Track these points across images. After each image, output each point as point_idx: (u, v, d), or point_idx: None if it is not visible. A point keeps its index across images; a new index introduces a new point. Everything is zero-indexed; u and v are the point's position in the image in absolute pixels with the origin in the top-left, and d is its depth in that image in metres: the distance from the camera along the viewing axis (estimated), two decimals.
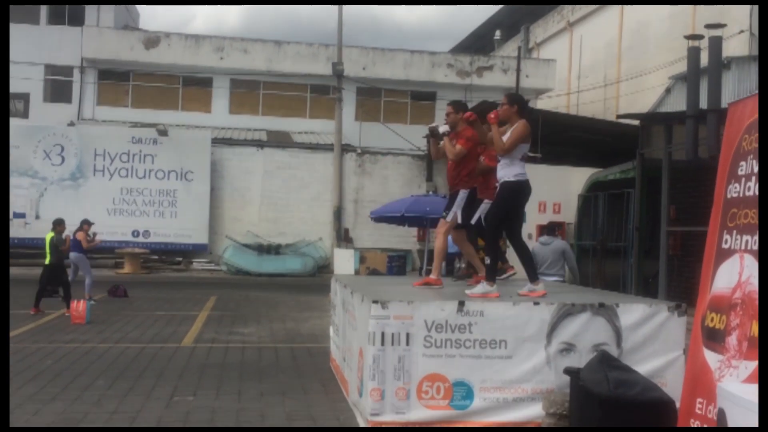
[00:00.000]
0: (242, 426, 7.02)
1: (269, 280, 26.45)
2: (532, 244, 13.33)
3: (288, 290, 21.90)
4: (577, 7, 35.28)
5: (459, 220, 8.46)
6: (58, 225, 15.57)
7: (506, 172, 7.52)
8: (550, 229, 14.07)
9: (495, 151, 8.10)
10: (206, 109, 33.16)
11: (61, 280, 15.27)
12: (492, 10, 47.50)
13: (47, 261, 15.25)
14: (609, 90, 31.58)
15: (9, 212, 18.72)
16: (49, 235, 15.44)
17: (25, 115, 32.05)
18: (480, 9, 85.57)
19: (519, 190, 7.55)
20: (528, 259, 7.77)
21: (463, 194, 8.38)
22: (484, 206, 8.61)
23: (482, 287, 7.32)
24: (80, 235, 16.51)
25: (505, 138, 7.41)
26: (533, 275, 7.67)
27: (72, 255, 16.18)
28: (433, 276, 8.41)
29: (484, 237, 8.37)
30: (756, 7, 21.26)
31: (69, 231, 16.18)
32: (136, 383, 8.69)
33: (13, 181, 27.82)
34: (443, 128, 8.40)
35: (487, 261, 7.53)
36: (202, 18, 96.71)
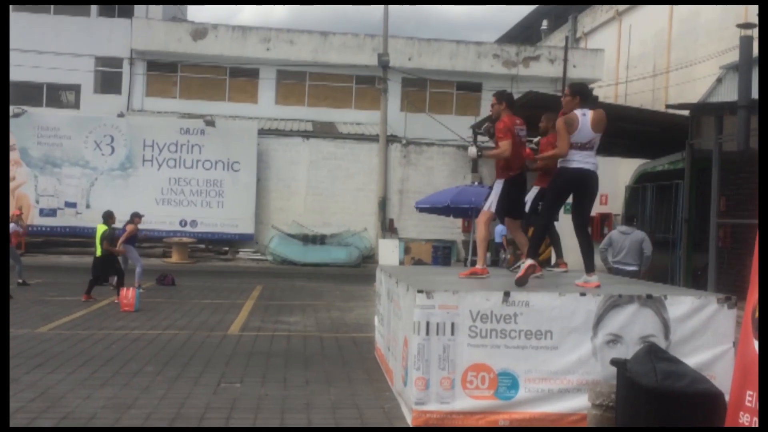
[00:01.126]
0: (287, 413, 7.08)
1: (314, 269, 26.60)
2: (610, 233, 13.35)
3: (333, 280, 22.01)
4: None
5: (492, 209, 8.42)
6: (109, 218, 15.73)
7: (561, 162, 7.62)
8: (629, 218, 13.98)
9: (552, 138, 8.14)
10: (253, 100, 33.39)
11: (114, 269, 15.55)
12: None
13: (98, 253, 15.50)
14: (658, 80, 31.08)
15: (9, 212, 19.13)
16: (100, 228, 15.62)
17: (76, 106, 32.61)
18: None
19: (568, 178, 7.51)
20: (589, 251, 7.73)
21: (498, 184, 8.36)
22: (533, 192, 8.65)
23: (583, 278, 7.54)
24: (130, 228, 16.75)
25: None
26: (590, 266, 7.62)
27: (125, 246, 16.44)
28: (478, 266, 8.40)
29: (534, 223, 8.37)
30: None
31: (120, 221, 16.40)
32: (184, 370, 8.82)
33: (65, 171, 28.39)
34: (471, 151, 8.49)
35: (584, 250, 7.67)
36: (249, 10, 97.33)
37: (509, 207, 8.47)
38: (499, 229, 24.52)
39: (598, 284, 7.42)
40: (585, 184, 7.61)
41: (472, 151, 8.52)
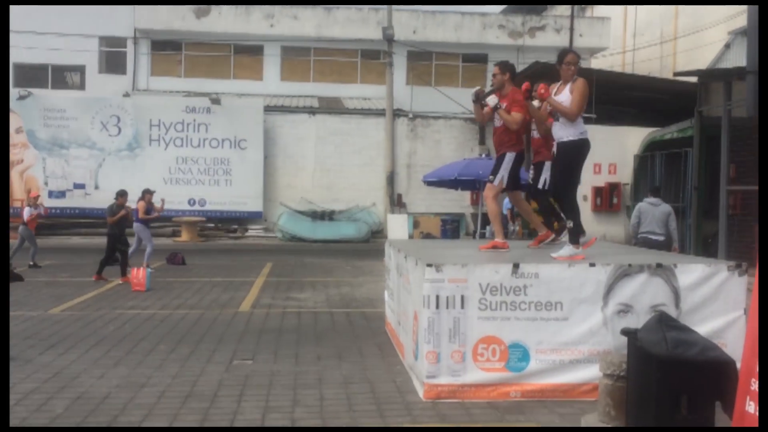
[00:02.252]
0: (300, 386, 7.12)
1: (323, 246, 26.65)
2: (639, 204, 13.56)
3: (342, 256, 22.05)
4: None
5: (504, 184, 8.39)
6: (121, 196, 15.71)
7: (569, 131, 7.43)
8: (656, 190, 14.22)
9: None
10: (258, 77, 33.30)
11: (116, 249, 15.42)
12: None
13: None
14: (665, 47, 30.83)
15: (9, 212, 19.22)
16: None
17: (81, 87, 32.59)
18: None
19: (583, 149, 7.49)
20: (576, 221, 7.67)
21: (509, 157, 8.32)
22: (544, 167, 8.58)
23: (568, 250, 7.31)
24: (140, 205, 16.79)
25: (565, 102, 7.33)
26: (576, 238, 7.56)
27: (135, 225, 16.46)
28: (498, 240, 8.39)
29: (539, 200, 8.31)
30: None
31: (131, 201, 16.38)
32: (197, 348, 8.87)
33: (72, 152, 28.42)
34: (492, 100, 8.23)
35: (570, 224, 7.53)
36: None
37: (514, 180, 8.46)
38: (505, 202, 24.50)
39: (583, 257, 7.32)
40: (587, 154, 7.68)
41: (493, 99, 8.24)
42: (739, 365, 5.54)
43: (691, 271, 6.80)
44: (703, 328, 6.43)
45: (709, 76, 16.89)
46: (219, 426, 6.05)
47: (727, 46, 21.43)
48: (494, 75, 8.39)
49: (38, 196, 19.32)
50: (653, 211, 13.13)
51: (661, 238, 12.87)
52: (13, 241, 17.64)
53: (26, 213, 17.66)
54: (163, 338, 9.42)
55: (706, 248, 16.46)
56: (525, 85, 7.77)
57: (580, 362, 6.68)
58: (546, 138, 8.44)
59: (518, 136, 8.27)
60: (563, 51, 7.73)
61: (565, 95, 7.39)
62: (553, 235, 8.50)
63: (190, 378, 7.47)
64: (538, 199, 8.92)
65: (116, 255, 15.43)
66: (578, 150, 7.50)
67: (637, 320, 6.52)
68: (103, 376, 7.52)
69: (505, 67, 8.35)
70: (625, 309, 6.71)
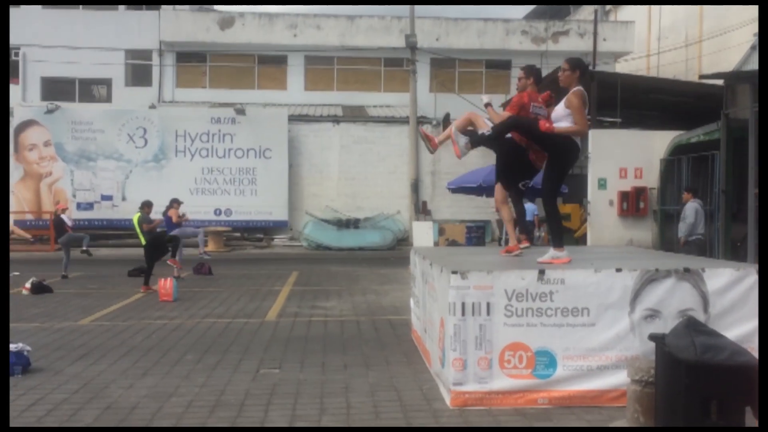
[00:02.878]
0: (326, 396, 7.13)
1: (349, 254, 26.67)
2: (695, 205, 13.97)
3: (368, 264, 22.05)
4: None
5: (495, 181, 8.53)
6: (146, 206, 15.91)
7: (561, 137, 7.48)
8: (698, 191, 14.87)
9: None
10: (282, 87, 33.49)
11: (165, 249, 15.72)
12: None
13: (143, 242, 15.70)
14: (691, 50, 30.60)
15: (9, 212, 19.44)
16: (135, 216, 15.87)
17: (108, 99, 32.96)
18: None
19: (570, 151, 7.48)
20: (558, 224, 7.79)
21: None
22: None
23: (551, 253, 7.36)
24: (172, 212, 16.98)
25: (559, 112, 7.38)
26: (559, 242, 7.57)
27: (176, 230, 16.62)
28: (510, 244, 8.40)
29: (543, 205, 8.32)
30: None
31: (157, 212, 16.56)
32: (223, 357, 8.90)
33: (100, 164, 28.72)
34: (486, 98, 8.26)
35: (550, 227, 7.58)
36: None
37: (501, 173, 8.58)
38: (531, 207, 24.37)
39: (569, 260, 7.31)
40: (577, 157, 7.74)
41: (484, 99, 8.32)
42: None
43: (720, 275, 6.74)
44: (732, 332, 6.35)
45: (736, 78, 16.75)
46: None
47: (753, 47, 21.21)
48: (519, 79, 8.40)
49: (66, 208, 19.51)
50: (702, 212, 13.90)
51: (704, 238, 13.72)
52: (39, 254, 17.84)
53: (67, 220, 17.95)
54: (190, 348, 9.47)
55: (735, 252, 16.28)
56: (546, 94, 7.82)
57: (608, 368, 6.63)
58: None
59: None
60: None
61: (560, 107, 7.47)
62: (519, 250, 8.31)
63: (217, 387, 7.50)
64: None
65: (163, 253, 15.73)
66: (568, 152, 7.57)
67: (664, 325, 6.46)
68: (131, 386, 7.57)
69: (530, 71, 8.34)
70: (653, 314, 6.65)
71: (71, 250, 17.95)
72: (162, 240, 15.86)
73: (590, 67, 27.58)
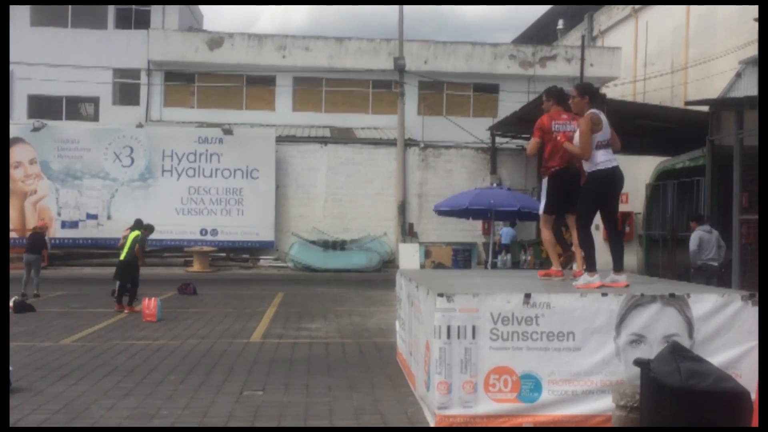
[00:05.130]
0: (310, 421, 7.07)
1: (335, 275, 26.61)
2: (699, 234, 14.28)
3: (354, 285, 22.00)
4: None
5: (542, 210, 8.45)
6: (148, 230, 16.09)
7: (586, 165, 7.55)
8: (702, 218, 15.13)
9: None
10: (270, 108, 33.52)
11: (132, 278, 15.51)
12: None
13: (122, 257, 15.53)
14: (676, 77, 30.87)
15: (9, 213, 19.29)
16: (133, 234, 15.67)
17: (95, 118, 32.90)
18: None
19: (602, 179, 7.46)
20: (620, 250, 7.73)
21: (543, 183, 8.48)
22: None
23: (585, 278, 7.34)
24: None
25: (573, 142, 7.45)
26: (592, 266, 7.48)
27: None
28: (554, 268, 8.56)
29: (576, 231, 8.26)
30: None
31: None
32: (207, 378, 8.84)
33: (86, 182, 28.58)
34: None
35: (584, 253, 7.54)
36: (267, 18, 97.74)
37: (558, 201, 8.34)
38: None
39: (600, 284, 7.29)
40: (619, 183, 7.65)
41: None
42: (753, 396, 5.48)
43: (705, 301, 6.75)
44: (717, 358, 6.36)
45: (721, 105, 16.89)
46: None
47: (738, 75, 21.42)
48: (543, 102, 8.50)
49: (47, 226, 19.28)
50: (710, 238, 14.08)
51: (717, 264, 13.91)
52: (21, 272, 17.71)
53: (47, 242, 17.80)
54: (173, 369, 9.40)
55: (719, 278, 16.33)
56: (560, 138, 7.91)
57: (593, 393, 6.61)
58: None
59: (550, 160, 8.23)
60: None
61: (577, 134, 7.58)
62: (562, 276, 8.38)
63: (200, 409, 7.43)
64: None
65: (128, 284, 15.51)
66: (593, 181, 7.51)
67: (650, 350, 6.47)
68: (113, 407, 7.49)
69: (549, 93, 8.47)
70: (638, 339, 6.65)
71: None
72: (135, 268, 15.64)
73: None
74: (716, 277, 14.05)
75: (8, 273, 13.66)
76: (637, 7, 34.67)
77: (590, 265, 7.45)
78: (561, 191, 8.25)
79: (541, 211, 8.51)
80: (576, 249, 8.66)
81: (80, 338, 11.78)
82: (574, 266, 8.48)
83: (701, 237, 14.16)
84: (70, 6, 32.63)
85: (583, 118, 7.42)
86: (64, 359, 9.96)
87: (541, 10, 51.28)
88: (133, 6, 33.36)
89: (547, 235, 8.54)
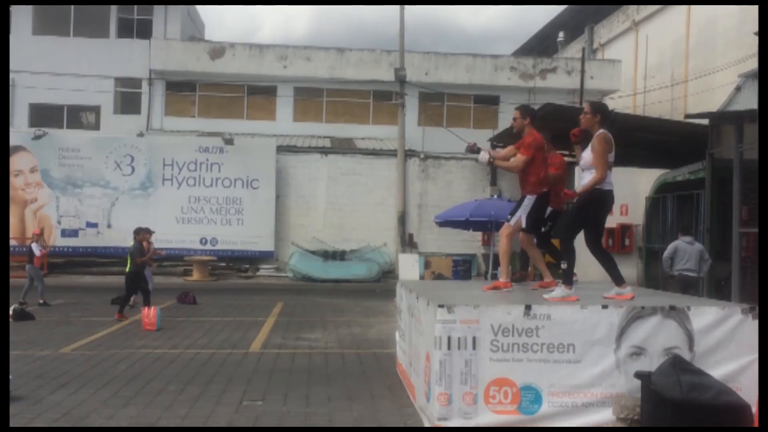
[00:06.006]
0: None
1: (335, 285, 26.59)
2: (675, 243, 14.65)
3: (353, 296, 21.99)
4: (643, 6, 34.71)
5: (523, 225, 8.40)
6: (136, 234, 16.05)
7: (584, 182, 7.53)
8: (688, 229, 15.41)
9: (556, 159, 8.27)
10: (271, 117, 33.57)
11: (139, 287, 15.68)
12: (556, 11, 46.98)
13: (127, 268, 15.69)
14: (676, 90, 30.94)
15: (9, 214, 19.24)
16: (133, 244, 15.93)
17: (96, 126, 32.91)
18: (544, 10, 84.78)
19: (599, 199, 7.47)
20: (611, 264, 7.65)
21: (529, 200, 8.34)
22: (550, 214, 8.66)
23: (561, 291, 7.29)
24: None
25: (586, 159, 7.45)
26: (619, 278, 7.53)
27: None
28: (501, 279, 8.37)
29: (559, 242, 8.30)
30: None
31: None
32: (207, 388, 8.82)
33: (86, 191, 28.59)
34: (483, 157, 8.39)
35: (564, 265, 7.50)
36: (268, 29, 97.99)
37: (534, 223, 8.44)
38: None
39: (632, 296, 7.33)
40: (611, 204, 7.69)
41: (484, 156, 8.42)
42: (754, 409, 5.48)
43: (705, 314, 6.75)
44: (718, 371, 6.37)
45: (721, 118, 16.91)
46: None
47: (738, 89, 21.45)
48: (514, 119, 8.48)
49: (41, 233, 19.25)
50: (690, 249, 14.33)
51: (696, 275, 14.18)
52: (23, 280, 17.71)
53: (36, 249, 17.66)
54: (172, 378, 9.39)
55: (719, 291, 16.34)
56: (576, 130, 7.86)
57: (593, 405, 6.61)
58: (553, 187, 8.64)
59: (539, 179, 8.29)
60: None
61: (587, 153, 7.54)
62: (555, 286, 8.38)
63: (199, 419, 7.43)
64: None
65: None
66: (593, 200, 7.52)
67: (650, 363, 6.47)
68: (112, 416, 7.48)
69: (525, 111, 8.44)
70: (638, 351, 6.65)
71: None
72: (140, 280, 15.80)
73: (579, 104, 27.82)
74: (693, 288, 14.27)
75: (8, 281, 13.64)
76: (637, 19, 34.79)
77: (567, 279, 7.43)
78: (540, 213, 8.45)
79: (512, 222, 8.40)
80: (540, 265, 8.76)
81: (80, 347, 11.77)
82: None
83: (677, 246, 14.47)
84: (72, 15, 32.72)
85: (598, 137, 7.40)
86: (63, 368, 9.95)
87: (543, 21, 51.46)
88: (135, 16, 33.43)
89: (506, 245, 8.45)
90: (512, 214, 8.45)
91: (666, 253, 14.65)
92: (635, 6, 35.24)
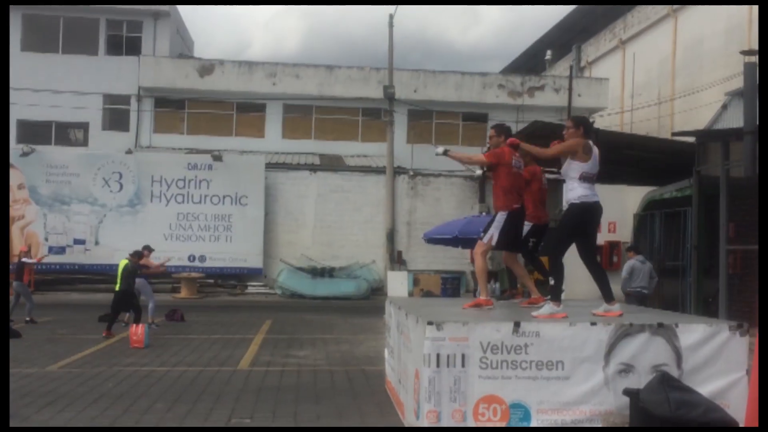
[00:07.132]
0: None
1: (323, 303, 26.54)
2: (631, 263, 15.44)
3: (342, 313, 21.95)
4: (630, 24, 35.00)
5: (494, 243, 8.32)
6: (135, 256, 16.05)
7: (570, 195, 7.57)
8: (638, 249, 16.37)
9: (534, 168, 8.36)
10: (260, 135, 33.61)
11: (131, 305, 15.61)
12: (544, 29, 47.27)
13: (117, 287, 15.57)
14: (663, 108, 31.16)
15: (9, 215, 19.15)
16: (123, 263, 15.74)
17: (84, 143, 32.85)
18: (532, 29, 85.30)
19: (582, 212, 7.50)
20: (604, 280, 7.66)
21: (501, 216, 8.25)
22: (527, 228, 8.65)
23: (549, 308, 7.28)
24: (146, 261, 16.92)
25: (572, 174, 7.54)
26: (609, 295, 7.55)
27: (137, 281, 16.43)
28: (482, 297, 8.35)
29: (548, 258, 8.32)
30: None
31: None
32: (194, 406, 8.78)
33: (74, 208, 28.49)
34: (440, 149, 8.50)
35: (552, 282, 7.51)
36: (258, 46, 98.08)
37: (510, 240, 8.41)
38: None
39: (620, 313, 7.36)
40: (598, 217, 7.67)
41: (440, 149, 8.50)
42: (742, 426, 5.50)
43: (693, 331, 6.78)
44: (706, 388, 6.39)
45: (707, 136, 17.02)
46: None
47: (724, 106, 21.63)
48: (490, 137, 8.59)
49: (28, 250, 19.19)
50: (643, 268, 15.23)
51: (648, 292, 15.21)
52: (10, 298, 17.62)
53: (28, 260, 17.62)
54: (160, 396, 9.34)
55: (706, 308, 16.38)
56: (511, 140, 8.05)
57: (582, 422, 6.60)
58: (532, 202, 8.67)
59: (510, 195, 8.25)
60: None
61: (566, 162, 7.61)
62: (543, 302, 8.35)
63: None
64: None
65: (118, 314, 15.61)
66: (573, 213, 7.55)
67: (638, 380, 6.48)
68: None
69: (500, 130, 8.58)
70: (627, 369, 6.66)
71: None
72: (131, 296, 15.73)
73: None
74: (644, 304, 14.61)
75: (8, 296, 13.53)
76: (624, 38, 35.08)
77: (555, 296, 7.42)
78: (514, 230, 8.36)
79: (486, 240, 8.31)
80: (526, 282, 8.80)
81: (67, 364, 11.70)
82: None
83: (633, 266, 15.28)
84: (61, 31, 32.73)
85: (576, 139, 7.48)
86: (50, 386, 9.89)
87: (531, 40, 51.77)
88: (124, 33, 33.47)
89: (481, 263, 8.41)
90: (485, 231, 8.41)
91: (624, 272, 15.48)
92: (622, 25, 35.55)
